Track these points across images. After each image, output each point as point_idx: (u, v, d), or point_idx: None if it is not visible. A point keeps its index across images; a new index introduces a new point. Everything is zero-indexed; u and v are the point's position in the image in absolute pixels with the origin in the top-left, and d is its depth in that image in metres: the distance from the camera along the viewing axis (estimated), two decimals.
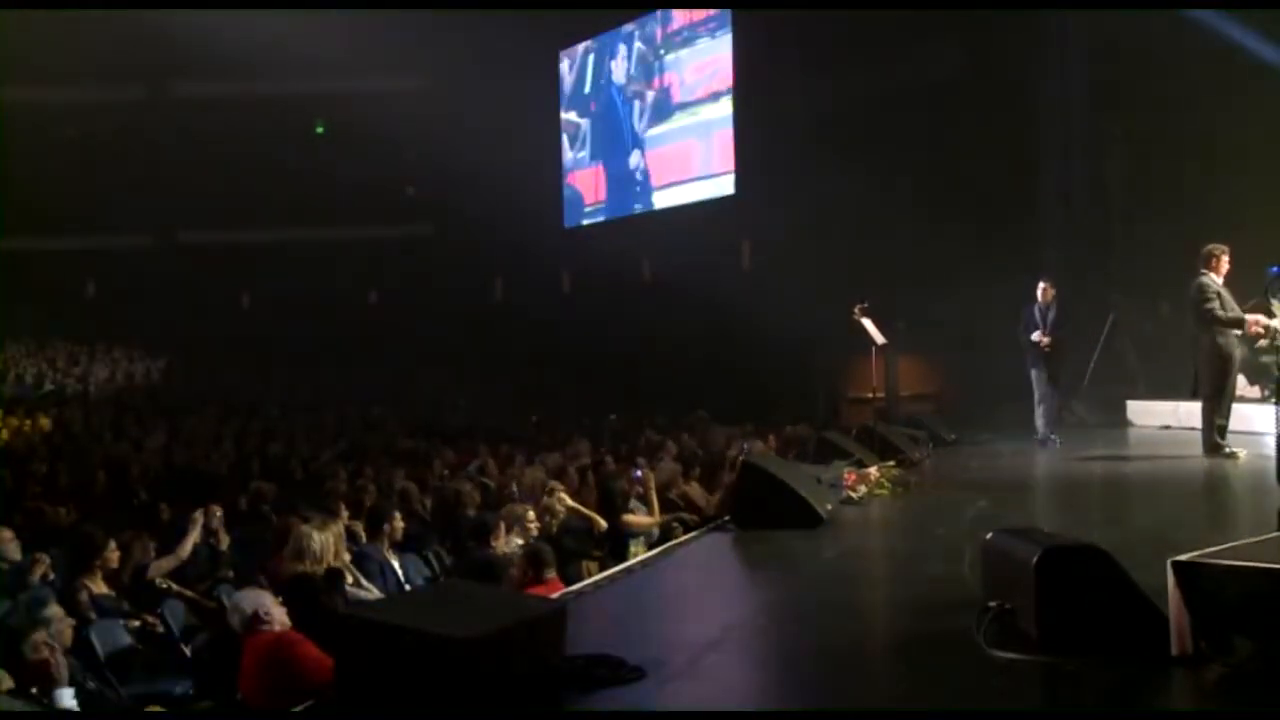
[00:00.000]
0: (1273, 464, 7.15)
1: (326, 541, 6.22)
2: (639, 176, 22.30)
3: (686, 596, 5.58)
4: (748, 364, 17.43)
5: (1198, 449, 8.98)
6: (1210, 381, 8.74)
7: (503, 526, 7.06)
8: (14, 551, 6.91)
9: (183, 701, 5.46)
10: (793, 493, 6.59)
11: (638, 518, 8.18)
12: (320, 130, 26.39)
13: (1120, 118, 14.31)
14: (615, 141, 22.93)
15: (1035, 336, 10.39)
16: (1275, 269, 8.36)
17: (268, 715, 4.58)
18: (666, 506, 8.61)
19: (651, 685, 3.60)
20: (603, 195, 23.27)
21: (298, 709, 3.87)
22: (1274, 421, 8.19)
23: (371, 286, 26.56)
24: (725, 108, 20.28)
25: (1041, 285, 10.51)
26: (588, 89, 23.67)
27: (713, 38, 20.68)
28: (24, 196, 22.71)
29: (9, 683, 4.26)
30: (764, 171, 18.56)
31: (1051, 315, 10.39)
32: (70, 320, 24.96)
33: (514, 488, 9.46)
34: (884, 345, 10.36)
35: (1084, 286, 13.51)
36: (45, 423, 16.65)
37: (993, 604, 3.91)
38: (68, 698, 4.50)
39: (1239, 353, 8.80)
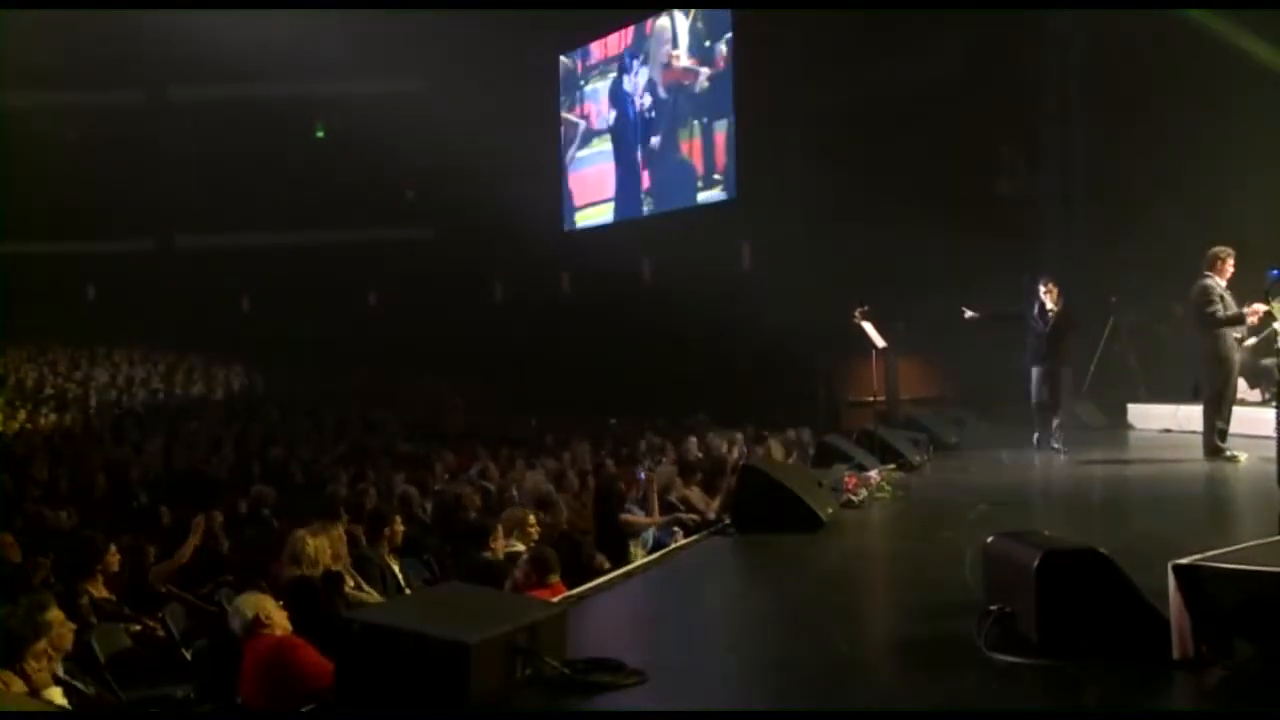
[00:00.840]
0: (1273, 467, 7.16)
1: (326, 545, 6.22)
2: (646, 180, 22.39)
3: (687, 600, 5.58)
4: (748, 367, 17.43)
5: (1198, 452, 8.97)
6: (1211, 384, 8.74)
7: (500, 530, 7.06)
8: (14, 555, 6.91)
9: (183, 705, 5.45)
10: (793, 496, 6.58)
11: (636, 517, 8.19)
12: (320, 133, 26.40)
13: (1120, 118, 14.32)
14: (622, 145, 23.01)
15: (969, 313, 10.36)
16: (1275, 271, 8.38)
17: (269, 718, 4.58)
18: (665, 509, 8.62)
19: (653, 688, 3.60)
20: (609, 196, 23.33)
21: (298, 712, 3.87)
22: (1274, 425, 8.23)
23: (371, 289, 26.58)
24: None
25: (1043, 287, 10.19)
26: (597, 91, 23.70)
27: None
28: (24, 199, 22.73)
29: (20, 686, 4.26)
30: (764, 173, 18.58)
31: (1052, 319, 10.04)
32: (70, 324, 24.96)
33: (514, 491, 9.47)
34: (884, 348, 10.36)
35: (1084, 288, 13.50)
36: (50, 420, 16.69)
37: (993, 607, 3.90)
38: (57, 698, 4.50)
39: (1239, 356, 8.79)
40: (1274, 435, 8.19)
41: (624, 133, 22.78)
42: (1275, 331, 8.50)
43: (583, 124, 23.62)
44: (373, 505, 8.36)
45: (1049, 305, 10.11)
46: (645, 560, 6.70)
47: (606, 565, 7.01)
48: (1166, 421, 11.56)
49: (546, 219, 23.23)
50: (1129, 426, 12.23)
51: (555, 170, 24.06)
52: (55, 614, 4.61)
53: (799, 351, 16.63)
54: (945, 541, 6.00)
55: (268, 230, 25.59)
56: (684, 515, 8.55)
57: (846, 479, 7.81)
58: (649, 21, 21.96)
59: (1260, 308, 8.33)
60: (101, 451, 13.52)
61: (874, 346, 10.18)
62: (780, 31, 17.92)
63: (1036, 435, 10.20)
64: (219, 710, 5.09)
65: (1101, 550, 3.79)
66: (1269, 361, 9.08)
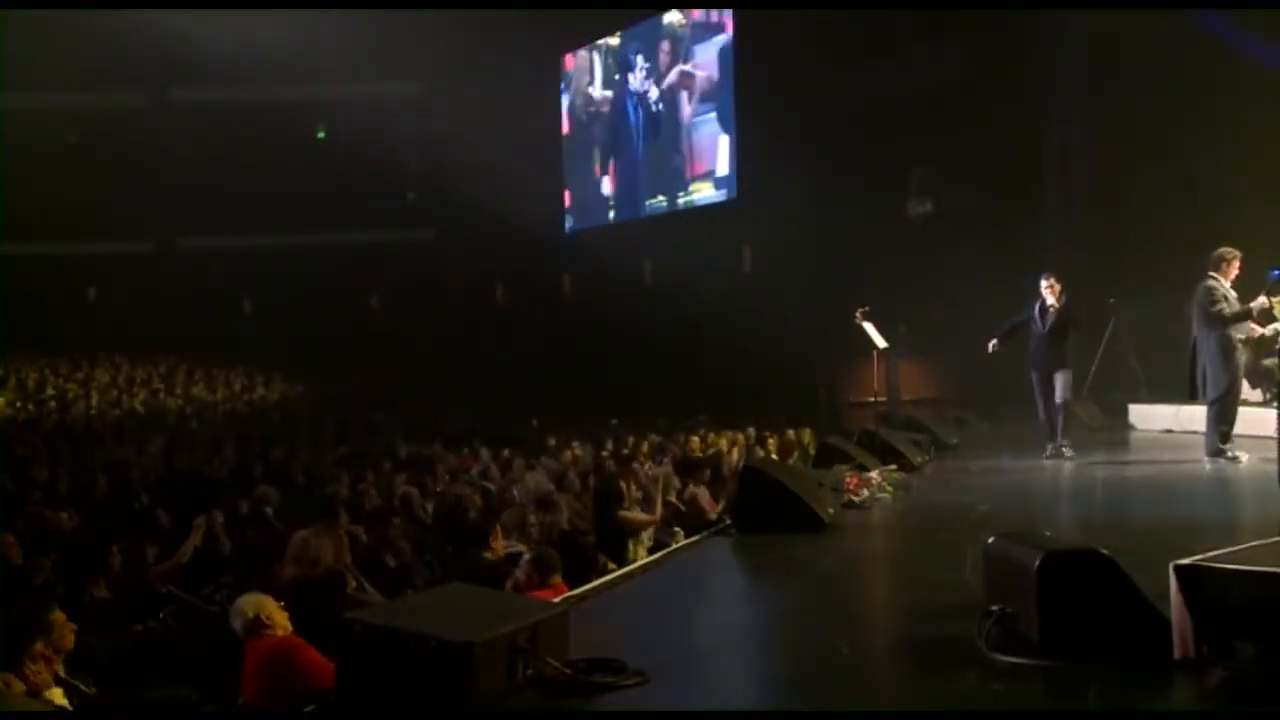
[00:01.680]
0: (1274, 467, 7.16)
1: (327, 546, 6.22)
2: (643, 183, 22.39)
3: (688, 600, 5.57)
4: (749, 368, 17.43)
5: (1199, 453, 8.97)
6: (1216, 385, 8.71)
7: (500, 530, 7.07)
8: (15, 556, 6.91)
9: (184, 706, 5.45)
10: (794, 497, 6.58)
11: (635, 515, 8.18)
12: (322, 135, 26.42)
13: (1120, 118, 14.31)
14: (625, 146, 23.00)
15: (993, 346, 9.78)
16: (1276, 271, 8.38)
17: (270, 718, 4.58)
18: (666, 509, 8.63)
19: (654, 689, 3.60)
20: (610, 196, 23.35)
21: (299, 713, 3.87)
22: (1275, 425, 8.23)
23: (373, 291, 26.59)
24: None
25: (1045, 283, 9.67)
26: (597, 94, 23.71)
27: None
28: (24, 200, 22.74)
29: (20, 686, 4.26)
30: (765, 174, 18.58)
31: (1051, 318, 9.54)
32: (71, 325, 24.96)
33: (515, 491, 9.47)
34: (885, 349, 10.37)
35: (1085, 289, 13.49)
36: (51, 420, 16.69)
37: (994, 608, 3.90)
38: (58, 698, 4.50)
39: (1244, 357, 8.74)
40: (1275, 435, 8.22)
41: (624, 133, 22.80)
42: (1276, 331, 8.49)
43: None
44: (374, 506, 8.37)
45: (1050, 302, 9.58)
46: (646, 560, 6.70)
47: (611, 566, 7.01)
48: (1168, 422, 11.56)
49: (547, 220, 23.24)
50: (1130, 427, 12.23)
51: (556, 171, 24.07)
52: (56, 614, 4.62)
53: (800, 352, 16.64)
54: (946, 542, 5.99)
55: (269, 232, 25.59)
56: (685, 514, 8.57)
57: (847, 479, 7.82)
58: (650, 22, 21.97)
59: (1263, 299, 8.32)
60: (103, 452, 13.52)
61: (875, 347, 10.19)
62: (781, 32, 17.92)
63: (1049, 448, 9.58)
64: (220, 710, 5.09)
65: (1103, 550, 3.79)
66: (1270, 361, 9.08)
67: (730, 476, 9.15)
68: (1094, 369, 13.17)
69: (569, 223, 24.07)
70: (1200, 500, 7.70)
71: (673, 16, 21.46)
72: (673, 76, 21.56)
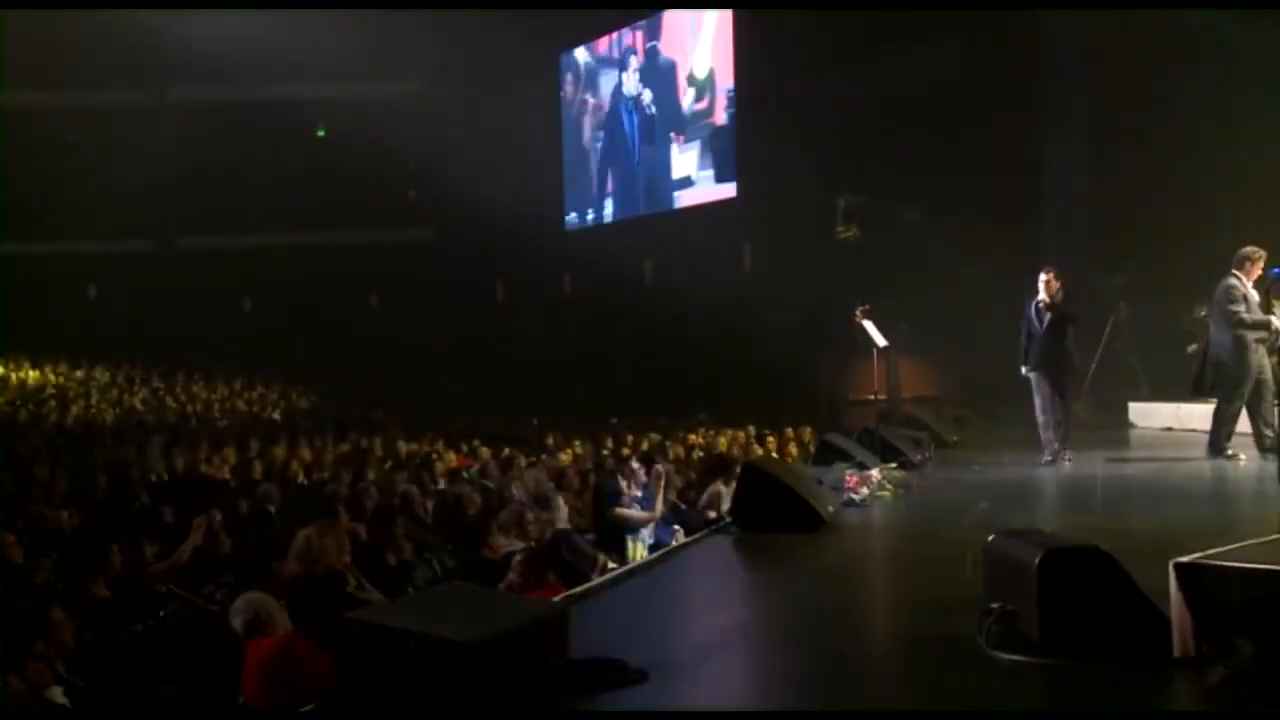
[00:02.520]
0: (1274, 467, 7.17)
1: (328, 545, 6.21)
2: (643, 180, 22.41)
3: (689, 599, 5.58)
4: (749, 366, 17.43)
5: (1200, 451, 8.97)
6: (1227, 384, 8.67)
7: (500, 529, 7.06)
8: (16, 555, 6.91)
9: (184, 705, 5.45)
10: (795, 495, 6.59)
11: (631, 512, 8.19)
12: (322, 134, 26.42)
13: (1121, 118, 14.31)
14: (620, 147, 23.02)
15: (1024, 370, 9.24)
16: (1276, 270, 8.38)
17: (270, 717, 4.58)
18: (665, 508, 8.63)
19: (655, 687, 3.60)
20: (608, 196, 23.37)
21: (299, 712, 3.87)
22: (1276, 424, 8.24)
23: (373, 290, 26.59)
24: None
25: (1043, 277, 9.14)
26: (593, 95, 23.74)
27: None
28: (24, 199, 22.74)
29: (20, 686, 4.26)
30: (765, 173, 18.58)
31: (1048, 318, 9.07)
32: (71, 324, 24.95)
33: (515, 490, 9.46)
34: (885, 347, 10.36)
35: (1085, 288, 13.49)
36: (51, 420, 16.68)
37: (995, 606, 3.90)
38: (57, 697, 4.50)
39: (1261, 359, 8.59)
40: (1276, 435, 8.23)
41: (623, 132, 22.81)
42: (1278, 331, 8.48)
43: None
44: (374, 504, 8.37)
45: (1042, 298, 9.09)
46: (646, 560, 6.71)
47: (611, 564, 7.01)
48: (1168, 420, 11.57)
49: (547, 219, 23.24)
50: (1130, 425, 12.23)
51: (556, 170, 24.07)
52: (56, 614, 4.62)
53: (800, 351, 16.64)
54: (946, 540, 6.00)
55: (269, 231, 25.59)
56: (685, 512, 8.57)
57: (848, 478, 7.83)
58: (648, 21, 21.98)
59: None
60: (103, 451, 13.51)
61: (875, 345, 10.18)
62: (781, 31, 17.92)
63: (1046, 455, 9.18)
64: (220, 710, 5.09)
65: (1103, 548, 3.79)
66: (1270, 362, 9.05)
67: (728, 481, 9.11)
68: (1094, 367, 13.17)
69: (568, 221, 24.06)
70: (1200, 498, 7.71)
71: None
72: (673, 74, 21.57)
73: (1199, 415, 11.13)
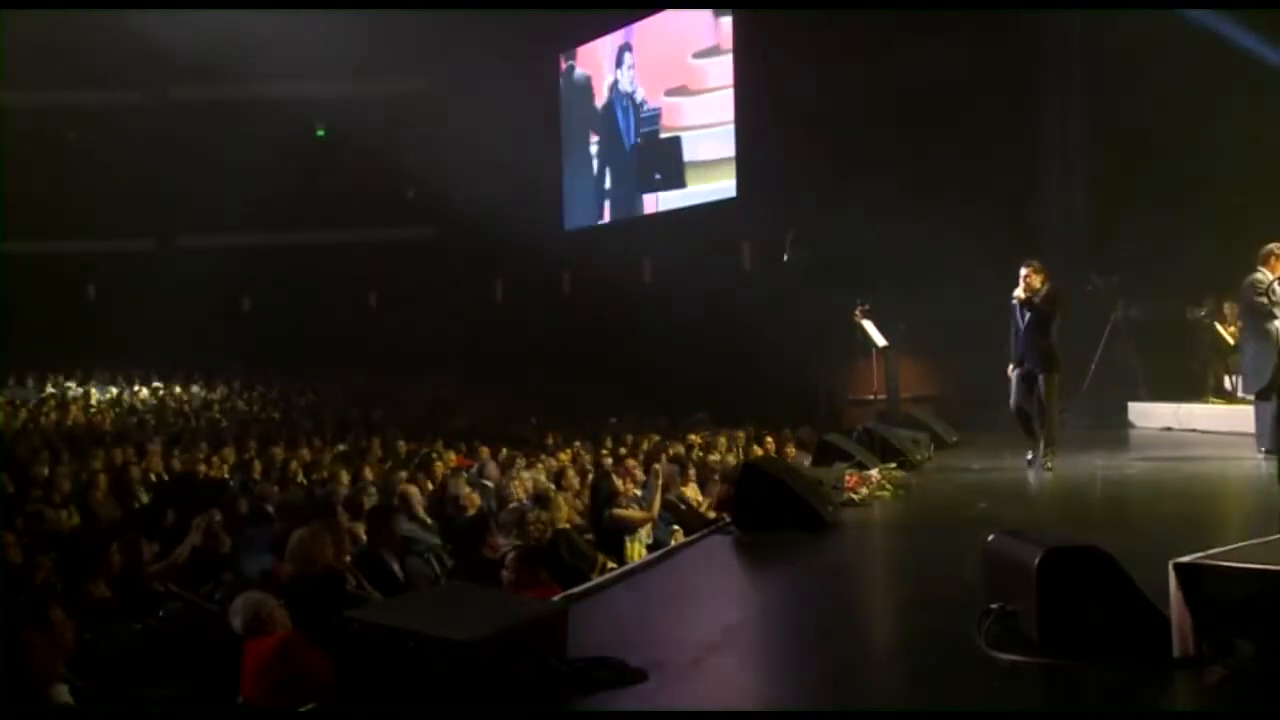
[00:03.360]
0: (1274, 466, 7.17)
1: (327, 544, 6.21)
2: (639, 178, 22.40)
3: (688, 598, 5.57)
4: (748, 366, 17.42)
5: (1200, 450, 8.99)
6: (1259, 378, 8.61)
7: (496, 527, 7.06)
8: (15, 555, 6.91)
9: (184, 705, 5.44)
10: (795, 495, 6.59)
11: (629, 512, 8.18)
12: (321, 133, 26.41)
13: (1121, 117, 14.30)
14: (618, 145, 23.02)
15: (1010, 369, 8.86)
16: None
17: (270, 717, 4.58)
18: (666, 507, 8.62)
19: (654, 687, 3.60)
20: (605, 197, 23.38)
21: (299, 712, 3.87)
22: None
23: (371, 289, 26.58)
24: None
25: (1024, 272, 8.69)
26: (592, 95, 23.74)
27: None
28: (24, 199, 22.72)
29: (20, 686, 4.26)
30: (765, 172, 18.57)
31: (1029, 315, 8.64)
32: (70, 324, 24.94)
33: (514, 490, 9.46)
34: (885, 347, 10.37)
35: (1084, 288, 13.49)
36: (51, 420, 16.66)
37: (994, 605, 3.90)
38: (63, 695, 4.50)
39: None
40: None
41: (620, 130, 22.80)
42: (1278, 330, 8.49)
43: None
44: (373, 504, 8.36)
45: (1018, 293, 8.72)
46: (646, 559, 6.70)
47: (610, 565, 7.01)
48: (1167, 420, 11.57)
49: (547, 219, 23.23)
50: (1130, 425, 12.23)
51: (555, 169, 24.06)
52: (55, 613, 4.62)
53: (799, 350, 16.62)
54: (946, 539, 6.00)
55: (268, 230, 25.57)
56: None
57: (848, 477, 7.83)
58: (648, 20, 21.97)
59: None
60: (103, 452, 13.50)
61: (874, 345, 10.18)
62: (781, 30, 17.91)
63: (1029, 454, 8.90)
64: (220, 710, 5.09)
65: (1102, 548, 3.79)
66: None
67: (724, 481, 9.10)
68: (1093, 367, 13.16)
69: (568, 221, 24.05)
70: (1200, 498, 7.71)
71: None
72: (672, 73, 21.56)
73: (1198, 415, 11.17)
